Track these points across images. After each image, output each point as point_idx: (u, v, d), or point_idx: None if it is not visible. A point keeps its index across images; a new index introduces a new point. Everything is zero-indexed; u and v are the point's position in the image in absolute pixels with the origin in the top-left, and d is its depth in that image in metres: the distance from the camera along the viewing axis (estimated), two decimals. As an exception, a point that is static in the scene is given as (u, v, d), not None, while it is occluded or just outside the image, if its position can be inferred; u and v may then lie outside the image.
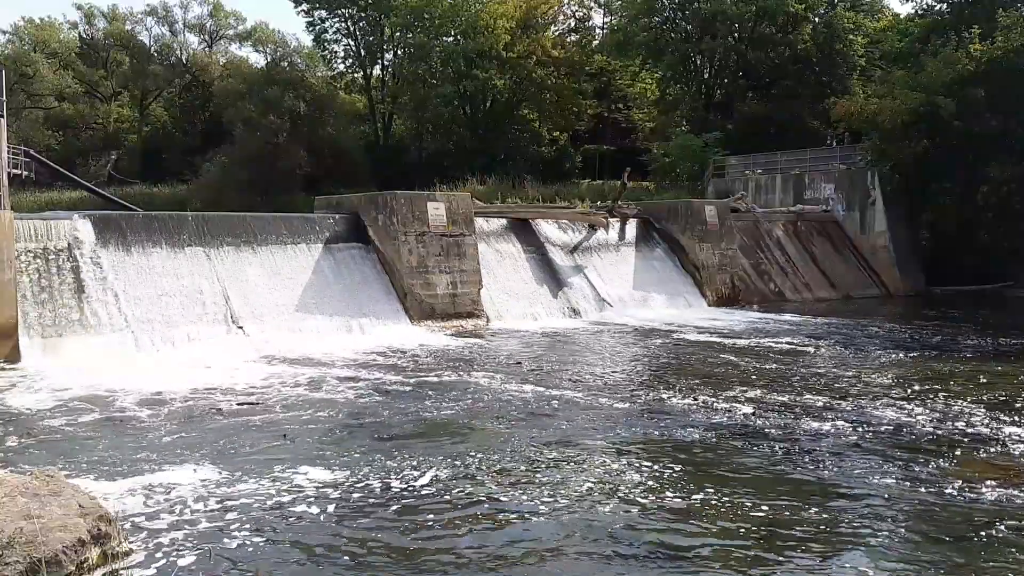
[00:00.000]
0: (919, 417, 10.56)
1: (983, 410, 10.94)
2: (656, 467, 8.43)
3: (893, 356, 15.74)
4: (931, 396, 11.85)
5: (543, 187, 39.56)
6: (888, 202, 29.98)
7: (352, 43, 52.16)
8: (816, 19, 41.60)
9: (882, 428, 10.01)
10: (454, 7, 47.32)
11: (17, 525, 5.41)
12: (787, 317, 22.57)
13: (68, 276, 15.13)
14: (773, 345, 17.12)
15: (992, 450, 9.12)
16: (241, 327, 16.45)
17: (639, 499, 7.50)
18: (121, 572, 5.88)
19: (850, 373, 13.81)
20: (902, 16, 43.56)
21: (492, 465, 8.47)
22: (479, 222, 21.48)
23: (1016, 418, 10.50)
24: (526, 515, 7.12)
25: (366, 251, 19.74)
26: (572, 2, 53.20)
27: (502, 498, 7.53)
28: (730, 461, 8.68)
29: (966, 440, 9.50)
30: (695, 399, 11.64)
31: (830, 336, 18.64)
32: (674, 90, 46.52)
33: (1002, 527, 6.87)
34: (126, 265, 15.95)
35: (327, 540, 6.62)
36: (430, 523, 6.95)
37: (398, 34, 49.78)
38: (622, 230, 24.86)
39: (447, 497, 7.55)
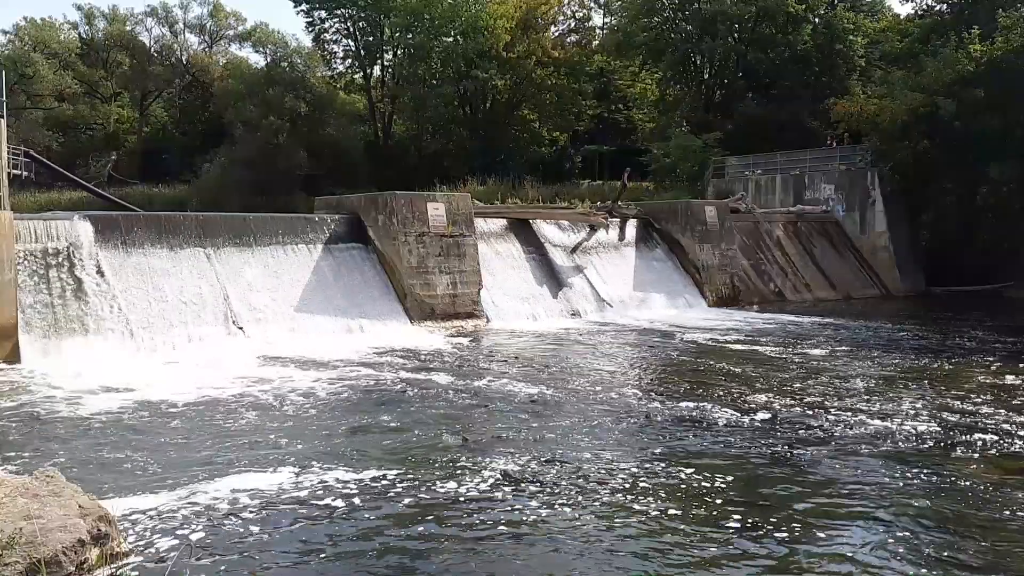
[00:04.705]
0: (920, 418, 10.56)
1: (985, 410, 10.94)
2: (658, 470, 8.42)
3: (894, 357, 15.73)
4: (931, 397, 11.85)
5: (543, 187, 39.59)
6: (888, 202, 29.97)
7: (352, 43, 52.24)
8: (816, 19, 41.56)
9: (884, 429, 10.00)
10: (454, 7, 47.34)
11: (17, 525, 5.41)
12: (787, 318, 22.57)
13: (68, 277, 15.13)
14: (774, 346, 17.11)
15: (994, 450, 9.11)
16: (241, 328, 16.45)
17: (640, 501, 7.50)
18: (121, 572, 5.88)
19: (851, 374, 13.81)
20: (902, 16, 43.61)
21: (493, 466, 8.46)
22: (479, 222, 21.47)
23: (1016, 419, 10.49)
24: (527, 517, 7.12)
25: (366, 251, 19.74)
26: (572, 2, 53.26)
27: (504, 499, 7.53)
28: (732, 462, 8.67)
29: (969, 441, 9.49)
30: (697, 401, 11.64)
31: (831, 337, 18.64)
32: (674, 90, 46.51)
33: (1004, 527, 6.88)
34: (126, 266, 15.94)
35: (329, 540, 6.61)
36: (432, 525, 6.95)
37: (398, 34, 49.80)
38: (622, 230, 24.84)
39: (448, 499, 7.55)
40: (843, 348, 16.80)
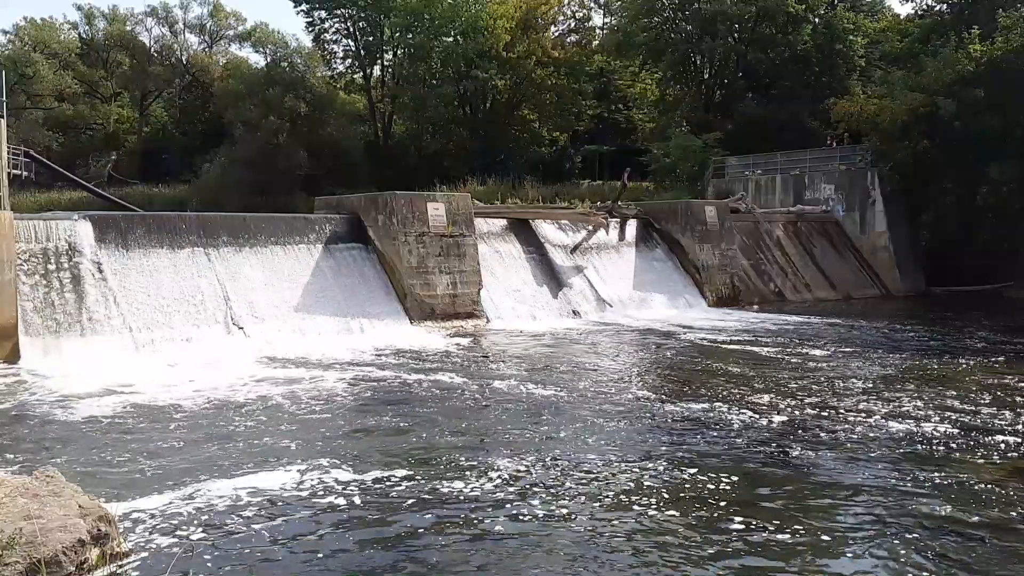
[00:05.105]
0: (922, 418, 10.55)
1: (987, 411, 10.94)
2: (661, 470, 8.42)
3: (895, 357, 15.73)
4: (931, 397, 11.84)
5: (543, 187, 39.60)
6: (888, 202, 29.98)
7: (352, 43, 52.22)
8: (816, 19, 41.55)
9: (886, 430, 10.00)
10: (454, 7, 47.33)
11: (17, 525, 5.41)
12: (787, 318, 22.56)
13: (68, 276, 15.13)
14: (774, 346, 17.10)
15: (996, 451, 9.11)
16: (241, 327, 16.45)
17: (644, 502, 7.50)
18: (121, 572, 5.88)
19: (852, 374, 13.80)
20: (902, 16, 43.61)
21: (495, 466, 8.46)
22: (479, 222, 21.47)
23: (1017, 419, 10.49)
24: (531, 517, 7.12)
25: (366, 251, 19.74)
26: (572, 2, 53.25)
27: (506, 499, 7.52)
28: (735, 463, 8.66)
29: (971, 442, 9.49)
30: (698, 401, 11.64)
31: (831, 337, 18.63)
32: (674, 90, 46.50)
33: (1008, 528, 6.87)
34: (126, 265, 15.94)
35: (331, 541, 6.61)
36: (434, 525, 6.95)
37: (398, 34, 49.80)
38: (622, 230, 24.84)
39: (451, 499, 7.55)
40: (844, 348, 16.79)
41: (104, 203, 32.50)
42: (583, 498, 7.53)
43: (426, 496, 7.57)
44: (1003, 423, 10.26)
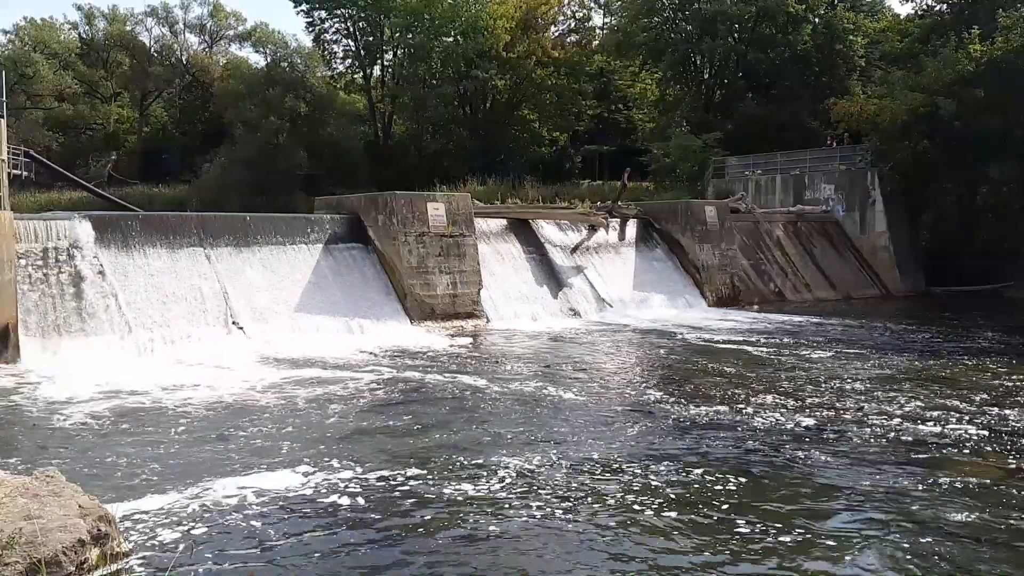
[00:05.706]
0: (924, 419, 10.55)
1: (988, 411, 10.94)
2: (663, 471, 8.42)
3: (893, 357, 15.73)
4: (931, 397, 11.84)
5: (543, 187, 39.59)
6: (888, 202, 29.99)
7: (352, 43, 52.21)
8: (816, 19, 41.55)
9: (885, 431, 10.00)
10: (454, 7, 47.32)
11: (17, 525, 5.40)
12: (787, 318, 22.56)
13: (68, 277, 15.12)
14: (775, 347, 17.10)
15: (998, 452, 9.10)
16: (241, 327, 16.44)
17: (646, 503, 7.49)
18: (121, 572, 5.87)
19: (852, 375, 13.80)
20: (902, 16, 43.60)
21: (495, 467, 8.46)
22: (479, 222, 21.47)
23: (1015, 419, 10.48)
24: (532, 518, 7.11)
25: (366, 251, 19.74)
26: (572, 2, 53.25)
27: (507, 500, 7.52)
28: (735, 464, 8.67)
29: (973, 442, 9.48)
30: (699, 402, 11.64)
31: (831, 337, 18.63)
32: (674, 90, 46.49)
33: (1001, 527, 6.87)
34: (126, 265, 15.93)
35: (332, 541, 6.61)
36: (435, 524, 6.94)
37: (398, 34, 49.79)
38: (622, 230, 24.84)
39: (452, 499, 7.55)
40: (843, 349, 16.78)
41: (104, 203, 32.46)
42: (586, 498, 7.53)
43: (429, 496, 7.57)
44: (1004, 423, 10.25)
